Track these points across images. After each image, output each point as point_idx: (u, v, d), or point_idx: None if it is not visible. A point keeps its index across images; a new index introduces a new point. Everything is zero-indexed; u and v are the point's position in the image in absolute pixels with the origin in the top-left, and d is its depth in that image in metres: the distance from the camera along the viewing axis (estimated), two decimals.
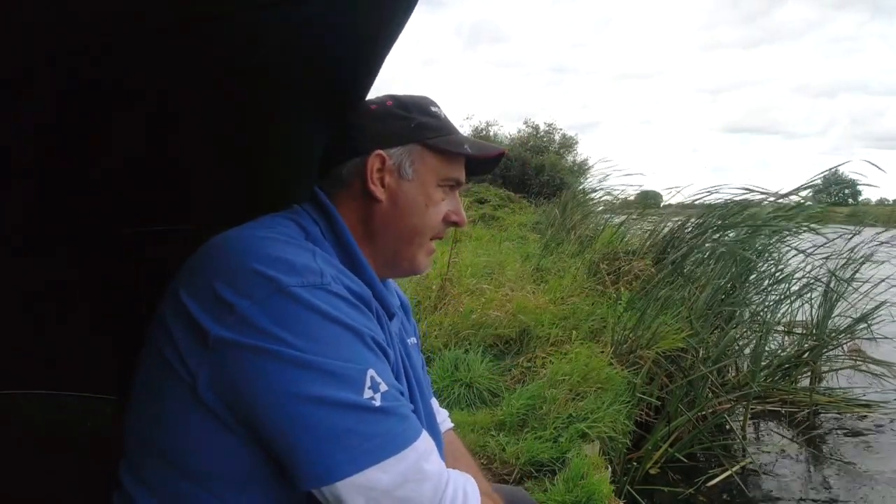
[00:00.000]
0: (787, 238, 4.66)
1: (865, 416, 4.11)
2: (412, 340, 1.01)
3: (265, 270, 0.67)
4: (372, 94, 0.90)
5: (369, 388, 0.66)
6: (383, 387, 0.67)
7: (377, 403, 0.66)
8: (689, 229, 5.28)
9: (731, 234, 4.82)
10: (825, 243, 4.68)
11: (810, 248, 4.63)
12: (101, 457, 0.86)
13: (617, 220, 7.31)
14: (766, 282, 4.59)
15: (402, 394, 0.72)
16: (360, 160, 0.84)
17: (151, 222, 1.01)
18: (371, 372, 0.67)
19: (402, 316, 1.00)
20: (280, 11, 0.62)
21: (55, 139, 0.74)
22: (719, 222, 4.98)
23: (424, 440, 0.70)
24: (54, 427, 1.05)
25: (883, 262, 4.84)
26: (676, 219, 5.70)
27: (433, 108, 0.88)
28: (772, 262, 4.63)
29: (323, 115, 0.90)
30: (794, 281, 4.55)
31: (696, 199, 5.66)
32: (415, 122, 0.85)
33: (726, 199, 5.27)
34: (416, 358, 1.00)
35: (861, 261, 4.81)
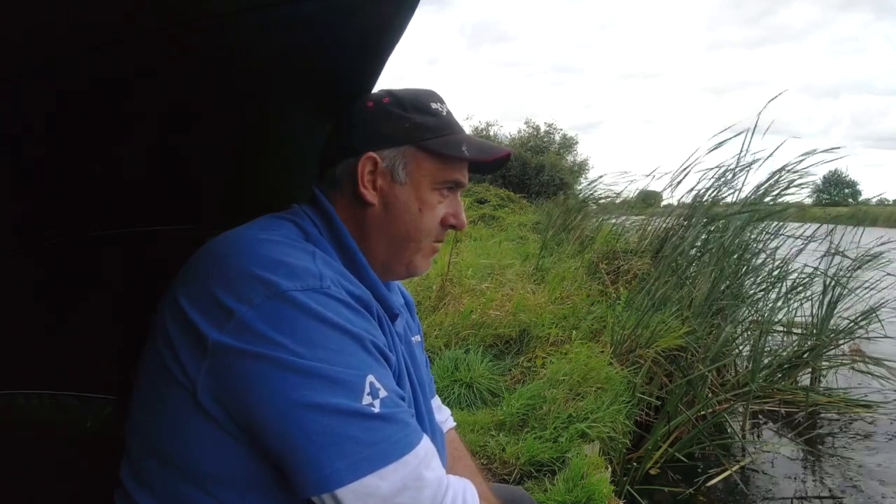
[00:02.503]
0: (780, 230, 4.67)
1: (865, 416, 4.11)
2: (416, 338, 1.00)
3: (264, 274, 0.66)
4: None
5: (368, 394, 0.65)
6: (383, 392, 0.67)
7: (376, 410, 0.65)
8: (683, 225, 5.29)
9: (720, 225, 4.83)
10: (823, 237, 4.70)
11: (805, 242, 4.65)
12: (101, 457, 0.86)
13: (617, 220, 7.30)
14: (764, 277, 4.59)
15: (402, 399, 0.71)
16: (352, 161, 0.82)
17: (152, 222, 1.01)
18: (371, 377, 0.66)
19: (406, 314, 0.99)
20: (281, 11, 0.62)
21: (55, 139, 0.74)
22: (706, 220, 5.00)
23: (425, 446, 0.70)
24: (54, 427, 1.04)
25: (883, 255, 4.83)
26: (672, 217, 5.71)
27: (434, 106, 0.84)
28: (768, 258, 4.63)
29: (324, 116, 0.90)
30: (794, 279, 4.55)
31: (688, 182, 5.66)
32: (410, 121, 0.81)
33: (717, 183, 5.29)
34: (420, 356, 0.99)
35: (863, 260, 4.81)
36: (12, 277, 0.91)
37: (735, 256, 4.37)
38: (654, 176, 7.49)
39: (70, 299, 0.99)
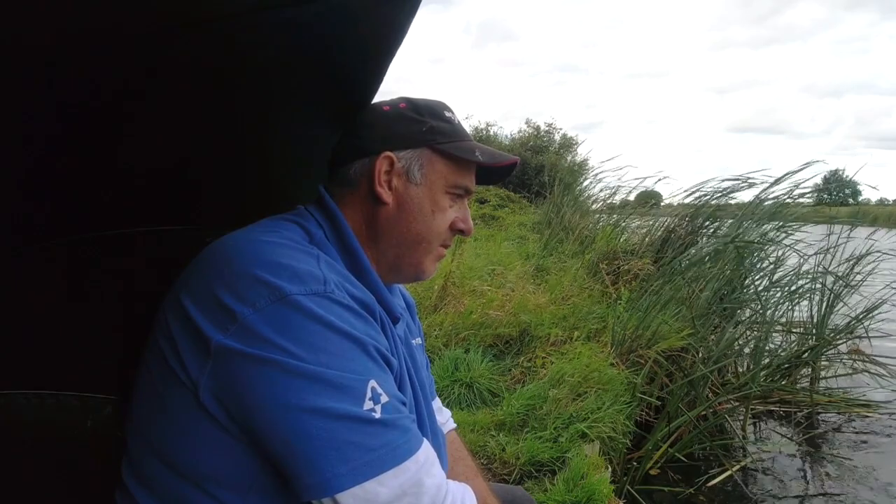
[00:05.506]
0: (785, 233, 4.68)
1: (865, 416, 4.11)
2: (417, 341, 1.00)
3: (268, 277, 0.67)
4: (380, 93, 0.89)
5: (370, 399, 0.66)
6: (384, 398, 0.67)
7: (377, 415, 0.66)
8: (684, 226, 5.30)
9: (723, 230, 4.84)
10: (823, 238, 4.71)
11: (807, 245, 4.66)
12: (102, 457, 0.86)
13: (616, 219, 7.30)
14: (765, 281, 4.60)
15: (403, 404, 0.71)
16: (368, 160, 0.83)
17: (154, 222, 1.01)
18: (372, 383, 0.67)
19: (407, 317, 0.99)
20: (283, 12, 0.62)
21: (55, 139, 0.74)
22: (709, 221, 5.01)
23: (425, 451, 0.70)
24: (54, 427, 1.04)
25: (882, 259, 4.84)
26: (672, 218, 5.72)
27: (447, 114, 0.87)
28: (769, 262, 4.64)
29: (326, 117, 0.90)
30: (793, 280, 4.55)
31: (694, 190, 5.69)
32: (427, 125, 0.84)
33: (717, 189, 5.32)
34: (420, 359, 0.99)
35: (858, 259, 4.82)
36: (12, 277, 0.91)
37: (736, 257, 4.37)
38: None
39: (70, 299, 0.99)
